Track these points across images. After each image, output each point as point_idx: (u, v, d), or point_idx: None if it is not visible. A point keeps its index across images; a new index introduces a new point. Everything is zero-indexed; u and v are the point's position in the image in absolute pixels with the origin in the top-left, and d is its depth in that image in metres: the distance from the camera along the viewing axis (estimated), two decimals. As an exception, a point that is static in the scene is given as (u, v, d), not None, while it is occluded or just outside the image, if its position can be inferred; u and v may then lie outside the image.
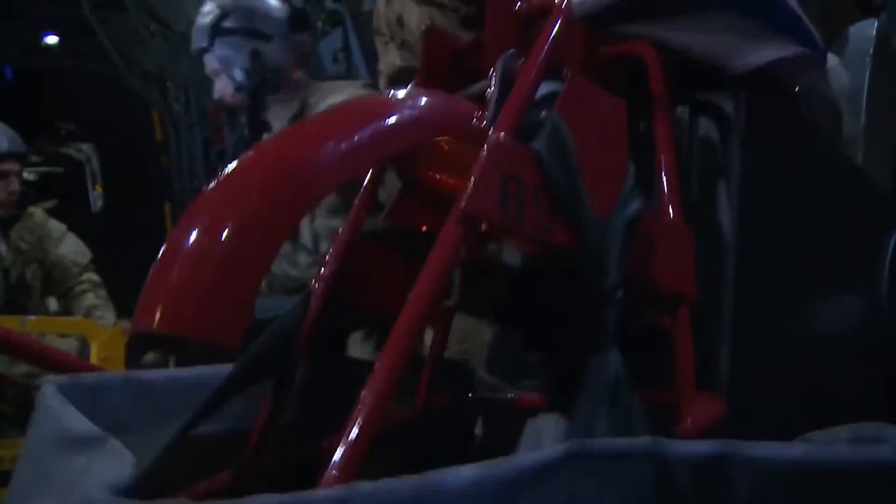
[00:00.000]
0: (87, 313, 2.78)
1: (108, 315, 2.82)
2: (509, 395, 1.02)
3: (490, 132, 0.65)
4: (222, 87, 1.95)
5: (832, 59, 1.47)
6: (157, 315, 0.53)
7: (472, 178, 0.62)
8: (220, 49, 1.92)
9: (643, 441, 0.46)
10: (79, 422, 0.64)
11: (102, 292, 2.89)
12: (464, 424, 1.04)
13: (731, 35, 0.85)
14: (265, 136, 1.93)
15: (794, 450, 0.51)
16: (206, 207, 0.59)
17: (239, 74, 1.90)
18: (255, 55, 1.90)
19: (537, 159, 0.65)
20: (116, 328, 3.09)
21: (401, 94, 0.74)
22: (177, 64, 4.54)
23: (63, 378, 0.76)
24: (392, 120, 0.69)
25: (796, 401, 0.85)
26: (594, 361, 0.60)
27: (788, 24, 0.89)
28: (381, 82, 1.69)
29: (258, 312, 0.59)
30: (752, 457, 0.47)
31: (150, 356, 1.76)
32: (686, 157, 0.86)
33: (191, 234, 0.57)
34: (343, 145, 0.64)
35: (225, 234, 0.55)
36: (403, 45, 1.60)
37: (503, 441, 1.00)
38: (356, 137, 0.65)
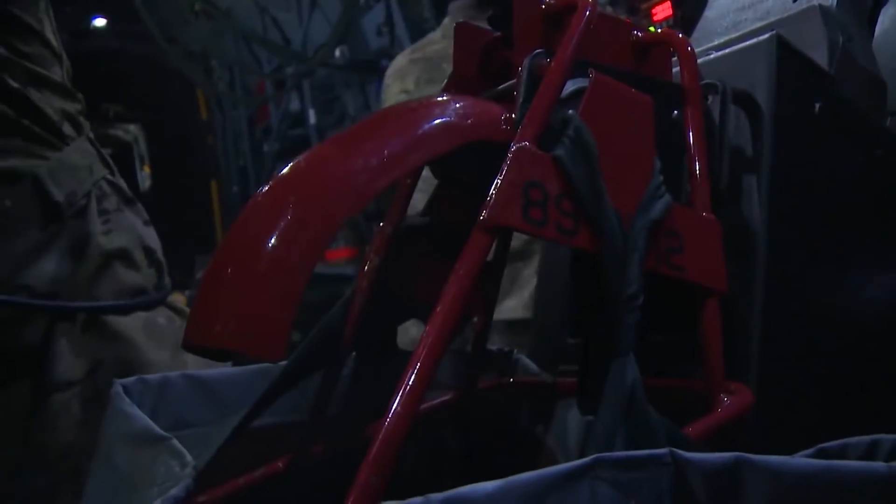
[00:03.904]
0: None
1: None
2: (549, 380, 1.05)
3: (514, 139, 0.67)
4: None
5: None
6: (206, 330, 0.58)
7: (495, 188, 0.64)
8: None
9: (660, 451, 0.49)
10: (143, 422, 0.69)
11: None
12: (505, 406, 1.07)
13: None
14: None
15: (808, 462, 0.52)
16: (248, 224, 0.63)
17: None
18: None
19: (560, 166, 0.67)
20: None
21: (432, 100, 0.76)
22: (221, 43, 4.61)
23: (130, 379, 0.82)
24: (425, 128, 0.71)
25: (828, 391, 0.86)
26: (612, 370, 0.63)
27: None
28: None
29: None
30: (766, 468, 0.49)
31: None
32: (717, 147, 0.86)
33: (235, 250, 0.61)
34: (377, 157, 0.67)
35: (266, 251, 0.60)
36: None
37: (539, 423, 1.04)
38: (390, 148, 0.68)
